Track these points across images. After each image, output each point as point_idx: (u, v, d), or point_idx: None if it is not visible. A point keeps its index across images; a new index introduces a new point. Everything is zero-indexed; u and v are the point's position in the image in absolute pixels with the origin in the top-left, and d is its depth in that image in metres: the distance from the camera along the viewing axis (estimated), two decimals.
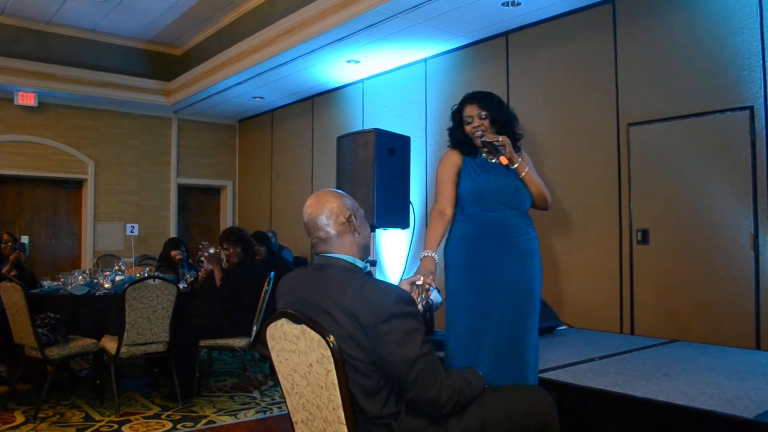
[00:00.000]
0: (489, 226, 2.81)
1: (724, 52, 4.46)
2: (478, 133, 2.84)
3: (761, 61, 4.28)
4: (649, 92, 4.90)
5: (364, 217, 2.16)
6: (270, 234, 7.82)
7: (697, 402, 2.54)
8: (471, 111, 2.89)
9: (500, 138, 2.75)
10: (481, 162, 2.89)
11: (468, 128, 2.89)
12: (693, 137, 4.62)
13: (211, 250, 5.11)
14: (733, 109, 4.40)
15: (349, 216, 2.05)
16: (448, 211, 2.91)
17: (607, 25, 5.19)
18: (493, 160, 2.85)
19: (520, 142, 2.97)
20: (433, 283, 2.48)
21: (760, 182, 4.24)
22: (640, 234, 4.91)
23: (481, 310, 2.75)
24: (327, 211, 2.04)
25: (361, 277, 1.96)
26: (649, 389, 2.76)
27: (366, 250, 2.11)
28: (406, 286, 2.37)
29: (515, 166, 2.77)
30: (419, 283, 2.41)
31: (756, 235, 4.24)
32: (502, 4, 5.33)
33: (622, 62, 5.10)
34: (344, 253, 2.04)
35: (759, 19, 4.29)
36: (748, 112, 4.31)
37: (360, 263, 2.06)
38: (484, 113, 2.85)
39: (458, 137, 2.96)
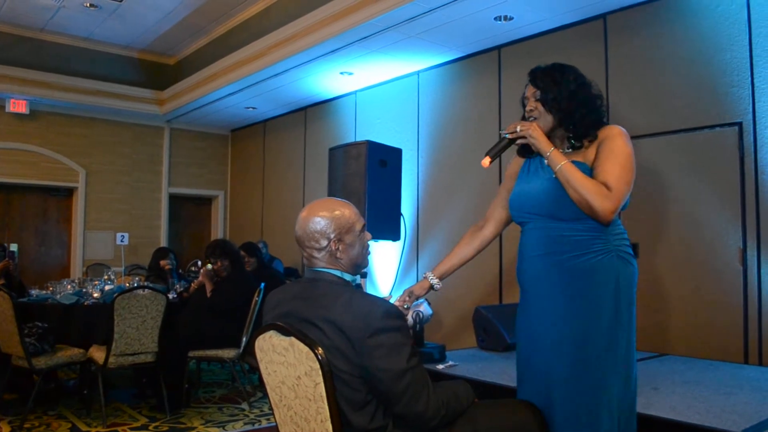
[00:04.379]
0: (524, 240, 2.33)
1: (714, 69, 4.50)
2: (531, 119, 2.27)
3: (750, 78, 4.32)
4: (639, 107, 4.94)
5: (360, 232, 2.06)
6: (261, 244, 7.81)
7: (685, 416, 2.54)
8: (529, 91, 2.31)
9: (518, 127, 2.21)
10: (539, 161, 2.31)
11: (525, 112, 2.32)
12: (682, 152, 4.66)
13: (209, 267, 5.10)
14: (722, 125, 4.44)
15: (329, 243, 1.99)
16: (487, 229, 2.54)
17: (598, 40, 5.24)
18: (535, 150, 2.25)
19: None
20: (407, 303, 2.41)
21: (748, 198, 4.27)
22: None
23: (525, 349, 2.32)
24: (311, 231, 2.00)
25: (350, 290, 1.95)
26: (638, 403, 2.76)
27: (356, 268, 2.07)
28: None
29: (546, 163, 2.18)
30: (395, 302, 2.37)
31: (744, 250, 4.27)
32: (495, 18, 5.37)
33: (613, 77, 5.14)
34: (331, 267, 2.02)
35: (748, 35, 4.34)
36: (736, 128, 4.35)
37: (348, 277, 2.04)
38: (539, 93, 2.26)
39: None
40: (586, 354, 2.13)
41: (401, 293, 2.48)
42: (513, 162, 2.51)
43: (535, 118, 2.27)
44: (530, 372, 2.28)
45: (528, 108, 2.30)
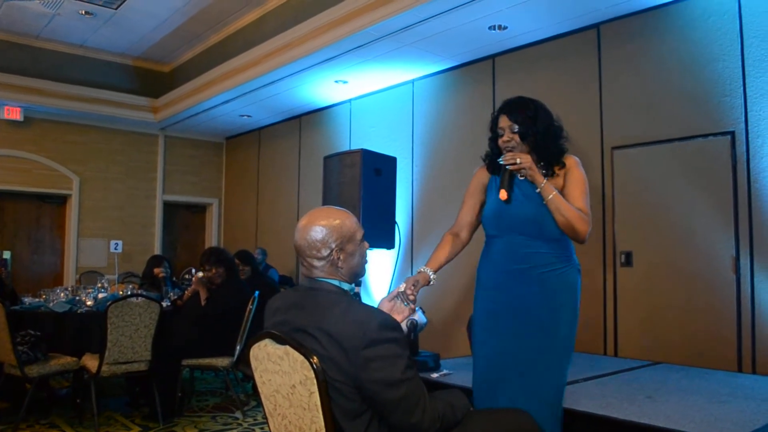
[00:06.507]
0: (496, 252, 2.58)
1: (706, 78, 4.54)
2: (508, 149, 2.55)
3: (742, 87, 4.35)
4: (633, 116, 4.97)
5: (360, 241, 2.07)
6: (259, 251, 7.80)
7: (679, 425, 2.54)
8: (503, 122, 2.57)
9: (518, 160, 2.44)
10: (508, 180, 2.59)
11: (500, 142, 2.58)
12: (676, 161, 4.68)
13: (200, 275, 5.08)
14: (714, 134, 4.47)
15: (331, 252, 1.98)
16: (463, 234, 2.71)
17: (592, 49, 5.27)
18: (522, 177, 2.53)
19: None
20: (413, 292, 2.38)
21: (741, 206, 4.30)
22: (623, 256, 4.94)
23: (494, 352, 2.53)
24: (312, 240, 1.98)
25: (347, 300, 1.94)
26: (632, 412, 2.76)
27: (355, 277, 2.06)
28: (386, 304, 2.33)
29: (538, 190, 2.46)
30: (401, 289, 2.36)
31: (737, 258, 4.29)
32: (489, 28, 5.40)
33: (607, 86, 5.17)
34: (330, 277, 2.01)
35: (740, 45, 4.38)
36: (729, 137, 4.38)
37: (346, 286, 2.03)
38: (516, 126, 2.52)
39: (492, 150, 2.67)
40: (554, 343, 2.47)
41: (402, 283, 2.42)
42: (479, 174, 2.75)
43: (513, 148, 2.53)
44: (488, 352, 2.55)
45: (505, 138, 2.55)
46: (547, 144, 2.54)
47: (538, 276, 2.48)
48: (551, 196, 2.43)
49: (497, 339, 2.53)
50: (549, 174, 2.54)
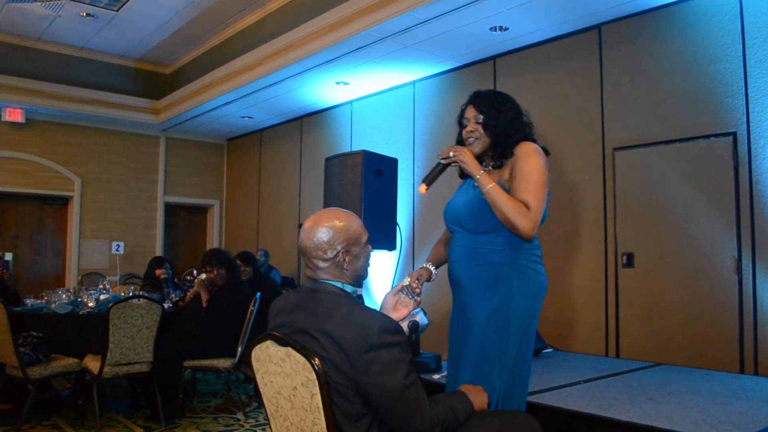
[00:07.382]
0: (451, 247, 2.56)
1: (708, 79, 4.54)
2: (470, 139, 2.47)
3: (744, 88, 4.35)
4: (634, 117, 4.96)
5: (365, 244, 2.06)
6: (261, 253, 7.80)
7: (681, 426, 2.54)
8: (469, 113, 2.49)
9: (451, 153, 2.40)
10: (470, 180, 2.50)
11: (463, 132, 2.51)
12: (677, 162, 4.68)
13: (203, 276, 5.09)
14: (716, 135, 4.47)
15: (337, 254, 1.98)
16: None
17: (593, 50, 5.27)
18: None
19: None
20: (419, 285, 2.36)
21: (743, 207, 4.30)
22: (625, 257, 4.94)
23: (451, 353, 2.57)
24: (319, 241, 1.98)
25: (349, 302, 1.93)
26: (634, 413, 2.76)
27: (359, 279, 2.06)
28: (391, 298, 2.32)
29: (475, 184, 2.38)
30: (405, 284, 2.34)
31: (739, 260, 4.29)
32: (490, 29, 5.40)
33: (608, 87, 5.17)
34: (334, 279, 2.00)
35: (741, 46, 4.37)
36: (731, 138, 4.38)
37: (349, 288, 2.03)
38: (481, 117, 2.44)
39: (457, 143, 2.57)
40: (481, 349, 2.39)
41: (406, 278, 2.41)
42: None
43: (476, 138, 2.46)
44: (457, 347, 2.53)
45: (468, 129, 2.48)
46: (510, 135, 2.43)
47: (471, 269, 2.42)
48: (487, 188, 2.31)
49: (461, 322, 2.52)
50: (497, 165, 2.46)
